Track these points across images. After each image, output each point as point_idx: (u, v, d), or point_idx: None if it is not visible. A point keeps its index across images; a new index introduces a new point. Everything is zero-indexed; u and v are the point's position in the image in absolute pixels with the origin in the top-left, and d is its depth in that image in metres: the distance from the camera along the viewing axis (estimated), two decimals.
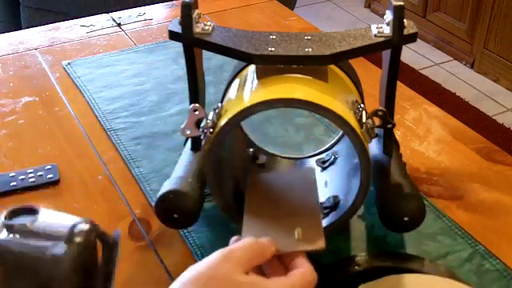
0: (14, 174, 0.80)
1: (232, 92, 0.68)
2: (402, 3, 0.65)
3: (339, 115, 0.60)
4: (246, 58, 0.66)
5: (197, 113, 0.65)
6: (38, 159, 0.84)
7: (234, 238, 0.58)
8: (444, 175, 0.82)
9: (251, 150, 0.80)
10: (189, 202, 0.65)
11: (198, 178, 0.68)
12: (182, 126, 0.66)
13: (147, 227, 0.74)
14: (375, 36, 0.66)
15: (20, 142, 0.89)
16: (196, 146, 0.73)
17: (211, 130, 0.63)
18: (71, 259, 0.44)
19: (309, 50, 0.64)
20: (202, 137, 0.64)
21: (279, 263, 0.56)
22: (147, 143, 0.88)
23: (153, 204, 0.73)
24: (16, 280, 0.44)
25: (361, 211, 0.75)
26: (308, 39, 0.66)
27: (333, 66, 0.70)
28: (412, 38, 0.66)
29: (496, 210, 0.77)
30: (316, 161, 0.80)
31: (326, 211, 0.70)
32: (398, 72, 0.69)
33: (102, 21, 1.24)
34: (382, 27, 0.67)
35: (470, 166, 0.85)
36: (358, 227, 0.73)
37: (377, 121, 0.67)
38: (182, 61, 0.69)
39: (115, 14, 1.27)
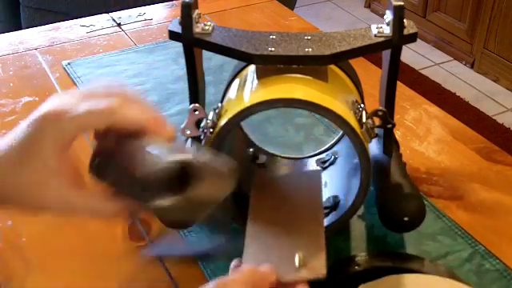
0: None
1: (232, 92, 0.68)
2: (401, 3, 0.65)
3: (339, 115, 0.60)
4: (246, 58, 0.66)
5: (197, 113, 0.65)
6: None
7: (234, 262, 0.57)
8: (444, 175, 0.82)
9: (251, 149, 0.80)
10: None
11: None
12: (182, 126, 0.66)
13: (147, 227, 0.74)
14: (375, 36, 0.66)
15: None
16: (196, 146, 0.73)
17: (211, 129, 0.63)
18: None
19: (309, 50, 0.64)
20: (201, 137, 0.64)
21: None
22: None
23: None
24: None
25: (361, 211, 0.75)
26: (308, 39, 0.66)
27: (333, 66, 0.70)
28: (412, 38, 0.66)
29: (496, 210, 0.77)
30: (316, 161, 0.79)
31: (325, 211, 0.70)
32: (398, 72, 0.69)
33: (101, 21, 1.24)
34: (382, 27, 0.67)
35: (469, 165, 0.85)
36: (358, 227, 0.73)
37: (377, 121, 0.67)
38: (182, 61, 0.69)
39: (115, 14, 1.27)
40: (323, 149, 0.81)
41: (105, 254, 0.70)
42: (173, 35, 0.68)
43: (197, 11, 0.67)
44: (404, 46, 0.67)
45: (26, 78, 1.04)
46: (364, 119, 0.63)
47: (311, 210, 0.65)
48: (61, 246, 0.71)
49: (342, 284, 0.64)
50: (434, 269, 0.66)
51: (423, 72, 2.62)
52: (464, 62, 2.69)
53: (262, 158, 0.80)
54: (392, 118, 0.71)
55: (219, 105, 0.66)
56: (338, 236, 0.71)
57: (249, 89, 0.65)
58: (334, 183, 0.74)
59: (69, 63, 1.08)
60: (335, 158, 0.78)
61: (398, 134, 0.89)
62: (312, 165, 0.79)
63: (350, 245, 0.71)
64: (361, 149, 0.61)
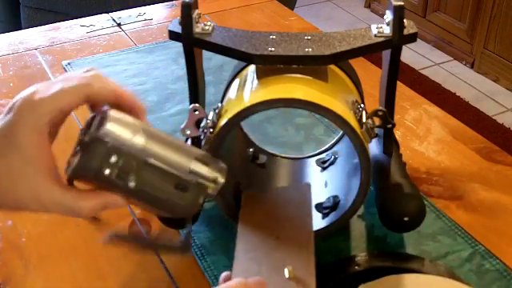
0: None
1: (232, 92, 0.68)
2: (401, 3, 0.65)
3: (339, 115, 0.60)
4: (246, 58, 0.66)
5: (197, 113, 0.65)
6: None
7: (223, 275, 0.56)
8: (444, 175, 0.82)
9: (251, 149, 0.80)
10: None
11: None
12: (182, 126, 0.66)
13: (147, 227, 0.74)
14: (375, 36, 0.66)
15: None
16: (196, 146, 0.73)
17: (211, 129, 0.63)
18: None
19: (309, 50, 0.64)
20: (202, 137, 0.64)
21: None
22: None
23: None
24: None
25: (361, 211, 0.75)
26: (308, 39, 0.66)
27: (333, 66, 0.70)
28: (412, 38, 0.66)
29: (496, 210, 0.77)
30: (316, 161, 0.79)
31: (325, 211, 0.70)
32: (398, 72, 0.69)
33: (102, 21, 1.24)
34: (382, 27, 0.67)
35: (470, 166, 0.85)
36: (358, 227, 0.73)
37: (377, 121, 0.67)
38: (182, 61, 0.69)
39: (115, 14, 1.27)
40: (323, 149, 0.81)
41: (105, 254, 0.70)
42: (173, 35, 0.68)
43: (197, 11, 0.67)
44: (404, 46, 0.67)
45: (25, 78, 1.04)
46: (364, 119, 0.63)
47: (300, 224, 0.65)
48: (61, 246, 0.71)
49: (342, 284, 0.64)
50: (434, 269, 0.66)
51: (423, 72, 2.62)
52: (464, 62, 2.69)
53: (262, 158, 0.80)
54: (392, 118, 0.71)
55: (219, 105, 0.66)
56: (338, 236, 0.71)
57: (249, 89, 0.65)
58: (334, 183, 0.74)
59: (69, 63, 1.08)
60: (335, 158, 0.78)
61: (398, 134, 0.89)
62: (312, 165, 0.79)
63: (350, 245, 0.71)
64: (361, 149, 0.61)
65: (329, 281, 0.64)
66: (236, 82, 0.70)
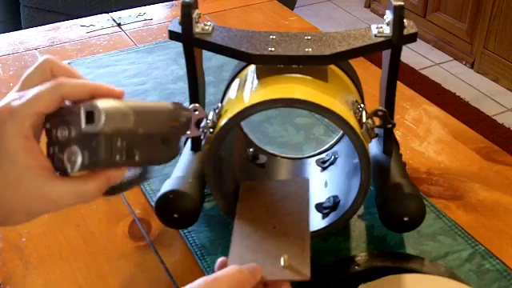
0: None
1: (232, 92, 0.68)
2: (402, 3, 0.65)
3: (339, 115, 0.60)
4: (245, 58, 0.66)
5: (197, 113, 0.65)
6: None
7: (219, 261, 0.57)
8: (444, 175, 0.82)
9: (251, 149, 0.80)
10: (189, 202, 0.65)
11: (198, 177, 0.68)
12: None
13: (147, 227, 0.74)
14: (375, 36, 0.66)
15: None
16: (196, 146, 0.73)
17: (211, 129, 0.63)
18: None
19: (309, 50, 0.64)
20: (201, 137, 0.64)
21: None
22: None
23: (153, 204, 0.73)
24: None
25: (361, 211, 0.75)
26: (308, 39, 0.66)
27: (333, 66, 0.70)
28: (412, 37, 0.66)
29: (496, 210, 0.77)
30: (316, 161, 0.80)
31: (325, 211, 0.70)
32: (398, 72, 0.69)
33: (102, 21, 1.24)
34: (382, 27, 0.67)
35: (470, 166, 0.85)
36: (358, 227, 0.73)
37: (377, 121, 0.67)
38: (182, 61, 0.69)
39: (115, 14, 1.27)
40: (323, 149, 0.81)
41: (105, 254, 0.70)
42: (173, 35, 0.68)
43: (197, 11, 0.67)
44: (404, 46, 0.67)
45: None
46: (364, 119, 0.63)
47: (297, 216, 0.65)
48: (61, 246, 0.71)
49: (342, 284, 0.64)
50: (434, 269, 0.66)
51: (423, 72, 2.62)
52: (464, 62, 2.69)
53: (262, 158, 0.80)
54: (392, 117, 0.71)
55: (219, 105, 0.66)
56: (338, 236, 0.71)
57: (249, 89, 0.65)
58: (334, 183, 0.74)
59: (69, 63, 1.08)
60: (335, 158, 0.78)
61: (398, 134, 0.89)
62: (312, 165, 0.79)
63: (349, 245, 0.71)
64: (361, 149, 0.61)
65: (329, 281, 0.64)
66: (236, 81, 0.70)
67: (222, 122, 0.62)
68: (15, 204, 0.48)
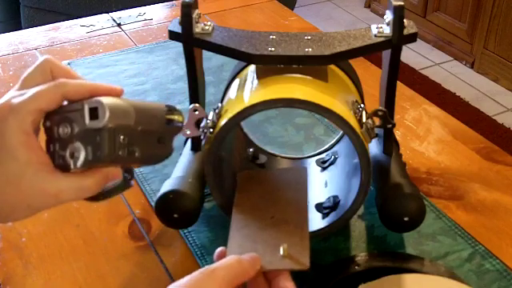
0: None
1: (232, 92, 0.68)
2: (402, 3, 0.65)
3: (339, 115, 0.60)
4: (245, 58, 0.66)
5: (197, 113, 0.65)
6: None
7: (218, 250, 0.57)
8: (444, 175, 0.82)
9: (251, 149, 0.80)
10: (189, 202, 0.65)
11: (198, 177, 0.68)
12: None
13: (147, 227, 0.74)
14: (375, 36, 0.66)
15: None
16: (196, 146, 0.73)
17: (211, 129, 0.63)
18: None
19: (309, 50, 0.64)
20: (201, 137, 0.64)
21: (263, 279, 0.55)
22: None
23: (153, 204, 0.74)
24: None
25: (361, 211, 0.75)
26: (308, 39, 0.66)
27: (333, 66, 0.70)
28: (412, 37, 0.66)
29: (496, 210, 0.77)
30: (316, 161, 0.80)
31: (325, 211, 0.70)
32: (398, 72, 0.69)
33: (102, 21, 1.24)
34: (382, 27, 0.67)
35: (470, 166, 0.85)
36: (358, 227, 0.73)
37: (377, 121, 0.67)
38: (182, 61, 0.69)
39: (115, 14, 1.27)
40: (323, 149, 0.81)
41: (105, 254, 0.70)
42: (173, 35, 0.68)
43: (197, 11, 0.67)
44: (404, 46, 0.67)
45: None
46: (364, 119, 0.63)
47: (296, 205, 0.65)
48: (61, 246, 0.71)
49: (342, 284, 0.64)
50: (434, 269, 0.66)
51: (423, 72, 2.62)
52: (464, 62, 2.69)
53: (262, 158, 0.80)
54: (392, 118, 0.71)
55: (219, 105, 0.66)
56: (338, 236, 0.71)
57: (249, 89, 0.65)
58: (334, 183, 0.74)
59: (69, 63, 1.08)
60: (335, 158, 0.78)
61: (398, 134, 0.89)
62: (312, 165, 0.79)
63: (349, 245, 0.71)
64: (361, 149, 0.61)
65: (329, 281, 0.64)
66: (236, 81, 0.70)
67: (222, 122, 0.62)
68: (16, 200, 0.48)
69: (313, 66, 0.65)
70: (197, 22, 0.67)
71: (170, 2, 1.34)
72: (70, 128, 0.49)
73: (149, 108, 0.54)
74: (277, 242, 0.58)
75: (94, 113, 0.48)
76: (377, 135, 0.68)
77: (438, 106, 0.98)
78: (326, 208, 0.70)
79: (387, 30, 0.66)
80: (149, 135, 0.53)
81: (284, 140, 0.89)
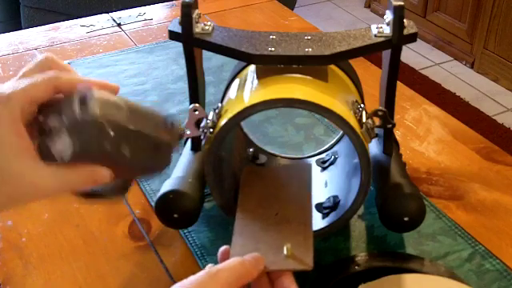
0: None
1: (232, 92, 0.68)
2: (402, 3, 0.65)
3: (339, 115, 0.60)
4: (245, 58, 0.66)
5: (197, 113, 0.65)
6: None
7: (222, 249, 0.57)
8: (444, 175, 0.82)
9: (251, 150, 0.80)
10: (189, 202, 0.65)
11: (198, 177, 0.68)
12: (182, 126, 0.66)
13: (147, 227, 0.74)
14: (375, 36, 0.66)
15: None
16: (196, 146, 0.73)
17: (211, 129, 0.63)
18: None
19: (309, 50, 0.64)
20: (201, 137, 0.64)
21: (266, 279, 0.55)
22: None
23: (153, 204, 0.74)
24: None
25: (361, 211, 0.75)
26: (308, 39, 0.66)
27: (333, 66, 0.70)
28: (412, 37, 0.66)
29: (496, 210, 0.77)
30: (316, 161, 0.80)
31: (325, 211, 0.70)
32: (398, 72, 0.69)
33: (102, 21, 1.24)
34: (382, 27, 0.67)
35: (470, 166, 0.85)
36: (358, 227, 0.73)
37: (377, 121, 0.67)
38: (182, 61, 0.69)
39: (115, 14, 1.27)
40: (323, 149, 0.81)
41: (105, 254, 0.70)
42: (173, 35, 0.68)
43: (197, 11, 0.67)
44: (404, 46, 0.67)
45: None
46: (364, 119, 0.63)
47: (300, 202, 0.65)
48: (61, 246, 0.71)
49: (342, 284, 0.64)
50: (434, 269, 0.66)
51: (423, 72, 2.62)
52: (464, 62, 2.69)
53: (262, 158, 0.80)
54: (392, 117, 0.71)
55: (219, 105, 0.66)
56: (338, 236, 0.71)
57: (249, 89, 0.65)
58: (334, 183, 0.74)
59: (69, 63, 1.08)
60: (335, 158, 0.78)
61: (398, 134, 0.89)
62: (312, 165, 0.79)
63: (349, 245, 0.71)
64: (361, 149, 0.61)
65: (329, 281, 0.64)
66: (236, 82, 0.70)
67: (222, 122, 0.62)
68: (2, 189, 0.48)
69: (313, 66, 0.65)
70: (197, 22, 0.67)
71: (170, 2, 1.34)
72: (60, 119, 0.49)
73: (145, 111, 0.53)
74: (280, 241, 0.58)
75: (84, 103, 0.48)
76: (377, 135, 0.68)
77: (438, 105, 0.98)
78: (326, 208, 0.70)
79: (387, 30, 0.66)
80: (142, 139, 0.51)
81: (284, 140, 0.89)
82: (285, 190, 0.68)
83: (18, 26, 1.90)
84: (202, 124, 0.64)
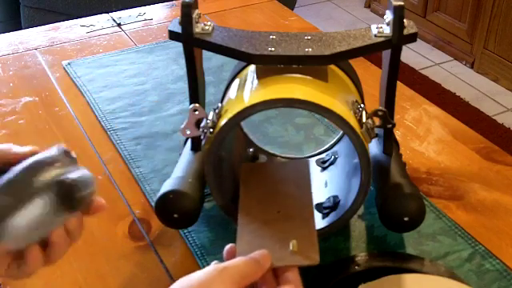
0: None
1: (232, 92, 0.68)
2: (402, 3, 0.65)
3: (339, 115, 0.60)
4: (245, 58, 0.66)
5: (197, 113, 0.65)
6: None
7: (228, 247, 0.57)
8: (444, 175, 0.82)
9: (251, 150, 0.80)
10: (189, 202, 0.65)
11: (198, 177, 0.68)
12: (182, 126, 0.66)
13: (147, 227, 0.74)
14: (375, 36, 0.66)
15: (20, 142, 0.88)
16: (196, 146, 0.73)
17: (211, 129, 0.63)
18: None
19: (309, 50, 0.64)
20: (201, 137, 0.64)
21: (271, 276, 0.55)
22: (147, 143, 0.88)
23: (153, 204, 0.73)
24: None
25: (361, 211, 0.75)
26: (308, 39, 0.66)
27: (333, 66, 0.70)
28: (412, 37, 0.66)
29: (496, 210, 0.77)
30: (316, 161, 0.80)
31: (325, 211, 0.70)
32: (398, 72, 0.69)
33: (102, 21, 1.24)
34: (382, 27, 0.67)
35: (470, 166, 0.85)
36: (358, 227, 0.73)
37: (377, 121, 0.67)
38: (182, 61, 0.69)
39: (115, 14, 1.27)
40: (323, 149, 0.81)
41: (105, 254, 0.70)
42: (173, 35, 0.68)
43: (197, 11, 0.67)
44: (404, 46, 0.67)
45: (25, 78, 1.04)
46: (364, 119, 0.63)
47: (301, 199, 0.65)
48: None
49: (342, 284, 0.64)
50: (434, 269, 0.66)
51: (423, 72, 2.62)
52: (464, 62, 2.69)
53: (262, 158, 0.80)
54: (392, 118, 0.71)
55: (219, 105, 0.66)
56: (338, 236, 0.71)
57: (249, 89, 0.65)
58: (334, 183, 0.74)
59: (69, 63, 1.08)
60: (335, 158, 0.78)
61: (398, 134, 0.89)
62: (312, 165, 0.79)
63: (349, 245, 0.71)
64: (361, 149, 0.61)
65: (329, 281, 0.64)
66: (236, 82, 0.70)
67: (222, 122, 0.62)
68: None
69: (313, 66, 0.65)
70: (197, 22, 0.67)
71: (170, 2, 1.34)
72: None
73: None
74: (285, 237, 0.59)
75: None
76: (377, 135, 0.68)
77: (438, 105, 0.98)
78: (326, 208, 0.70)
79: (387, 30, 0.66)
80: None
81: (284, 140, 0.89)
82: (285, 187, 0.68)
83: (18, 26, 1.90)
84: (202, 124, 0.64)
